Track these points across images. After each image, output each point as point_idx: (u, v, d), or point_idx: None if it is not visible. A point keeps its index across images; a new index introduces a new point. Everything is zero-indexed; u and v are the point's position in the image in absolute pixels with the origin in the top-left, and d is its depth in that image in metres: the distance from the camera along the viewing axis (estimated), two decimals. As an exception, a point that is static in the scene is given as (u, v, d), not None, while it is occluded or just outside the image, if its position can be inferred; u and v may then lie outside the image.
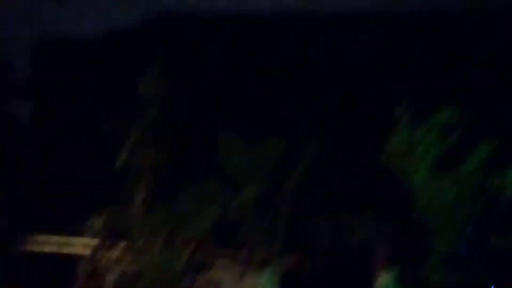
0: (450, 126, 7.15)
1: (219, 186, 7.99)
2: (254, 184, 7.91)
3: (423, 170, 7.23)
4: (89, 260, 8.74)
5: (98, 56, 10.62)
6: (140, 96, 9.06)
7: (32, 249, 9.23)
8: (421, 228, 7.36)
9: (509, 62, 8.95)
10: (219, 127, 8.31)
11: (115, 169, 8.58)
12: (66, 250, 9.17)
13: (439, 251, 7.24)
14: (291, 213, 8.02)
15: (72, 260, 8.99)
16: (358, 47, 9.55)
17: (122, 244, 8.44)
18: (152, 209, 8.40)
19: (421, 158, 7.24)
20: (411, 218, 7.39)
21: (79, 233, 8.93)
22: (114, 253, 8.35)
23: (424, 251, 7.37)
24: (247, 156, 8.11)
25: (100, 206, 8.83)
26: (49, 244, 9.28)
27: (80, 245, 9.01)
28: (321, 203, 8.05)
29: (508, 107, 8.49)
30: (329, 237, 8.14)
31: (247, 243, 7.99)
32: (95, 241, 8.73)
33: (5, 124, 10.37)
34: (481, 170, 7.05)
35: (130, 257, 8.19)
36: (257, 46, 9.96)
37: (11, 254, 9.24)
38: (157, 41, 10.17)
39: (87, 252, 8.82)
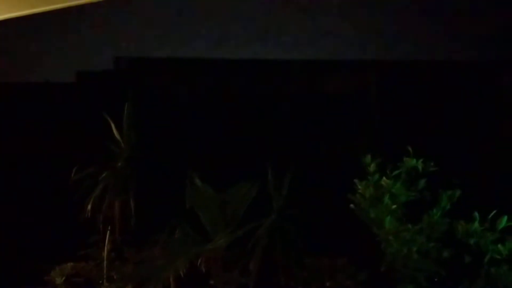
0: (416, 175, 7.23)
1: (189, 236, 7.91)
2: (223, 233, 7.84)
3: (390, 218, 7.26)
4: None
5: (65, 100, 10.57)
6: (108, 143, 9.03)
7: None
8: (391, 274, 7.36)
9: (474, 112, 9.21)
10: (187, 175, 8.27)
11: (80, 219, 8.46)
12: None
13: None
14: (264, 261, 7.97)
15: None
16: (327, 93, 9.71)
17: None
18: (119, 261, 8.27)
19: (388, 207, 7.28)
20: (382, 265, 7.39)
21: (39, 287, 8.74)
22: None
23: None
24: (217, 203, 8.07)
25: (62, 259, 8.68)
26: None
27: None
28: (293, 250, 8.04)
29: (470, 157, 8.74)
30: (303, 283, 8.12)
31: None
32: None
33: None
34: (446, 218, 7.11)
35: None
36: (227, 90, 10.04)
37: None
38: (126, 87, 10.19)
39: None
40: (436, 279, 7.35)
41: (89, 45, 10.64)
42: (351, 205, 7.48)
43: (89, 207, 8.45)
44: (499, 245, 6.71)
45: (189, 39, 10.47)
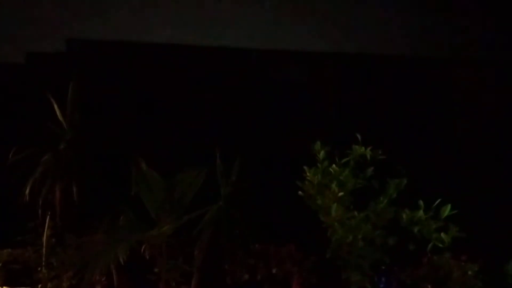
0: (364, 163, 7.25)
1: (133, 223, 7.68)
2: (169, 220, 7.65)
3: (337, 205, 7.27)
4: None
5: (12, 81, 10.15)
6: (51, 125, 8.65)
7: None
8: (337, 261, 7.40)
9: (422, 103, 9.38)
10: (133, 159, 8.02)
11: (18, 204, 8.07)
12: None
13: (356, 284, 7.29)
14: (210, 248, 7.85)
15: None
16: (278, 81, 9.65)
17: (23, 289, 7.94)
18: (59, 248, 7.95)
19: (335, 194, 7.28)
20: (327, 252, 7.41)
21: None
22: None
23: (340, 284, 7.42)
24: (163, 189, 7.86)
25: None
26: None
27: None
28: (241, 236, 7.96)
29: (417, 146, 8.90)
30: (250, 269, 8.07)
31: (161, 281, 7.72)
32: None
33: None
34: (393, 206, 7.18)
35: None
36: (176, 75, 9.82)
37: None
38: (73, 69, 9.83)
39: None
40: (381, 267, 7.43)
41: (40, 27, 10.26)
42: (300, 192, 7.45)
43: (27, 190, 8.04)
44: (442, 234, 6.82)
45: (137, 23, 10.21)
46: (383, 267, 7.42)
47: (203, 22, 10.20)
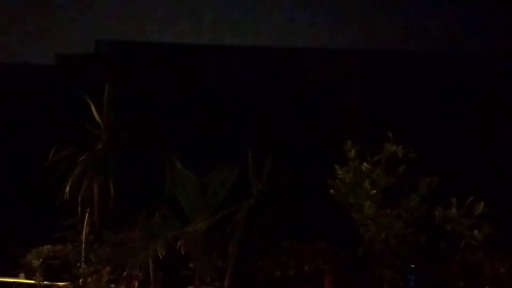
0: (395, 162, 7.30)
1: (168, 220, 7.88)
2: (203, 217, 7.83)
3: (369, 203, 7.34)
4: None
5: (47, 82, 10.44)
6: (88, 125, 8.91)
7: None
8: (369, 258, 7.47)
9: (454, 102, 9.33)
10: (167, 158, 8.22)
11: (58, 202, 8.35)
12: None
13: (388, 281, 7.35)
14: (242, 245, 7.99)
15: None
16: (309, 80, 9.73)
17: (62, 284, 8.19)
18: (97, 244, 8.20)
19: (368, 192, 7.35)
20: (360, 249, 7.48)
21: (15, 272, 8.63)
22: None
23: (373, 280, 7.49)
24: (197, 188, 8.04)
25: (39, 242, 8.57)
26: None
27: (15, 286, 8.69)
28: (272, 233, 8.08)
29: (448, 145, 8.87)
30: (282, 266, 8.18)
31: (196, 276, 7.91)
32: (32, 281, 8.45)
33: None
34: (425, 204, 7.21)
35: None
36: (208, 76, 10.00)
37: None
38: (108, 70, 10.07)
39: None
40: (412, 265, 7.47)
41: (70, 28, 10.51)
42: (331, 190, 7.54)
43: (67, 189, 8.31)
44: (475, 231, 6.84)
45: (169, 24, 10.40)
46: (413, 265, 7.46)
47: (226, 22, 10.33)
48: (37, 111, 10.37)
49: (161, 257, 7.36)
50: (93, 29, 10.58)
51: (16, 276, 8.75)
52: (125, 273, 7.54)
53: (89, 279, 7.75)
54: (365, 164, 7.35)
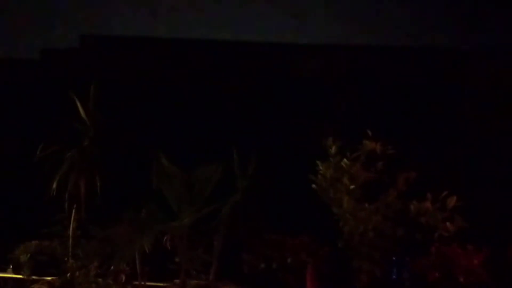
0: (374, 158, 7.56)
1: (155, 215, 8.03)
2: (189, 212, 8.00)
3: (348, 198, 7.59)
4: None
5: (32, 77, 10.44)
6: (74, 121, 9.00)
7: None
8: (348, 251, 7.72)
9: (431, 98, 9.58)
10: (154, 155, 8.36)
11: (45, 198, 8.46)
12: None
13: (366, 273, 7.62)
14: (228, 238, 8.18)
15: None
16: (291, 77, 9.90)
17: (50, 279, 8.31)
18: (84, 239, 8.34)
19: (347, 187, 7.61)
20: (339, 241, 7.73)
21: (2, 266, 8.72)
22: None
23: (351, 272, 7.74)
24: (183, 183, 8.20)
25: (26, 237, 8.65)
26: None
27: (3, 281, 8.78)
28: (257, 227, 8.28)
29: (424, 141, 9.14)
30: (266, 259, 8.38)
31: (182, 270, 8.09)
32: (19, 275, 8.54)
33: None
34: (402, 198, 7.49)
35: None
36: (195, 71, 10.10)
37: None
38: (93, 65, 10.13)
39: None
40: (391, 256, 7.74)
41: (54, 23, 10.49)
42: (313, 185, 7.78)
43: (54, 185, 8.44)
44: (448, 223, 7.14)
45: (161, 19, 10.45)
46: (394, 257, 7.74)
47: (216, 18, 10.41)
48: (23, 107, 10.39)
49: (147, 251, 7.53)
50: (78, 24, 10.58)
51: (4, 271, 8.84)
52: (112, 267, 7.70)
53: (77, 273, 7.90)
54: (345, 160, 7.60)
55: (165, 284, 8.09)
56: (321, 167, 7.75)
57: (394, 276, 7.90)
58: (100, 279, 7.84)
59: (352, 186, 7.54)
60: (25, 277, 8.56)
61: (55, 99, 9.56)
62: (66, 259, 8.41)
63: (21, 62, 10.56)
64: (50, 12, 10.69)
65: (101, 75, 9.36)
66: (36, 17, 10.64)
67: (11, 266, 8.83)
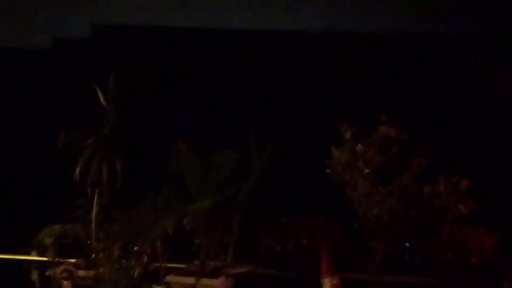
0: (388, 143, 7.73)
1: (174, 198, 8.29)
2: (207, 195, 8.24)
3: (363, 181, 7.78)
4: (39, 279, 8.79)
5: (48, 66, 10.63)
6: (94, 108, 9.27)
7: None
8: (363, 233, 7.93)
9: (445, 85, 9.67)
10: (172, 140, 8.60)
11: (68, 183, 8.75)
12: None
13: (380, 252, 7.83)
14: (244, 221, 8.42)
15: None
16: (305, 62, 10.03)
17: (74, 260, 8.59)
18: (106, 222, 8.63)
19: (361, 171, 7.79)
20: (355, 223, 7.94)
21: (26, 250, 8.98)
22: (65, 270, 8.46)
23: (365, 252, 7.96)
24: (200, 168, 8.44)
25: (51, 221, 8.93)
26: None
27: (27, 263, 9.00)
28: (272, 211, 8.50)
29: (438, 126, 9.26)
30: (282, 241, 8.59)
31: (201, 251, 8.34)
32: (44, 258, 8.81)
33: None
34: (415, 182, 7.67)
35: (83, 273, 8.37)
36: (207, 58, 10.26)
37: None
38: (109, 53, 10.32)
39: (35, 270, 8.81)
40: (405, 238, 7.94)
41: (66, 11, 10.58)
42: (327, 170, 7.97)
43: (77, 171, 8.74)
44: (460, 205, 7.32)
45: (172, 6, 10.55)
46: (407, 238, 7.94)
47: (231, 7, 10.46)
48: (42, 95, 10.63)
49: (170, 233, 7.81)
50: (91, 13, 10.66)
51: (29, 254, 9.14)
52: (135, 249, 8.00)
53: (101, 255, 8.20)
54: (359, 145, 7.77)
55: (185, 265, 8.37)
56: (335, 152, 7.93)
57: (407, 256, 8.09)
58: (123, 260, 8.13)
59: (367, 170, 7.72)
60: (50, 259, 8.85)
61: (72, 88, 9.80)
62: (89, 242, 8.70)
63: (33, 51, 10.71)
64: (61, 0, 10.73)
65: (117, 64, 9.56)
66: (47, 6, 10.69)
67: (35, 249, 9.10)
